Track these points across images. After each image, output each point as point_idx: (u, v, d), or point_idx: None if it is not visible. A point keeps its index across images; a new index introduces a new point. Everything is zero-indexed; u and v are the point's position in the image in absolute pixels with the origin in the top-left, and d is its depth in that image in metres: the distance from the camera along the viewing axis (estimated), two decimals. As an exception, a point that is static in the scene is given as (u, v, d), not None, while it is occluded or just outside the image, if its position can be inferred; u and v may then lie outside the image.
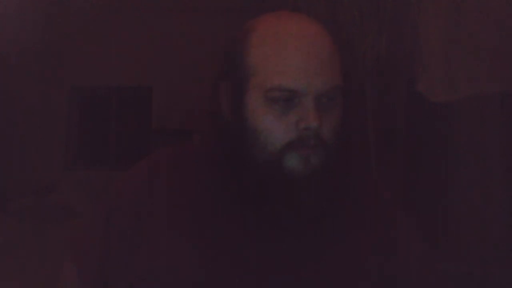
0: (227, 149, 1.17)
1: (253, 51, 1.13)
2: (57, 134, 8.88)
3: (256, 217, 1.15)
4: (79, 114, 9.20)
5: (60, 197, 7.92)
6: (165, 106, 8.81)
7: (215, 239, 1.16)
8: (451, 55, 3.44)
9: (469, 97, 3.52)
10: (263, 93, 1.12)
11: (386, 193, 1.28)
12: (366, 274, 1.18)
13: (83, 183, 8.08)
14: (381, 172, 4.17)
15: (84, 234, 1.28)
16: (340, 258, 1.17)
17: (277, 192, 1.12)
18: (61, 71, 8.60)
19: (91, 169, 8.83)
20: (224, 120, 1.17)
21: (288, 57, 1.11)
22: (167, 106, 8.71)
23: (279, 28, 1.14)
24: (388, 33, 3.96)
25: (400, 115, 5.61)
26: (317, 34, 1.14)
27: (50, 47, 8.15)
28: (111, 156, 9.12)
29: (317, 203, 1.13)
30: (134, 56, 8.54)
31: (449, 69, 3.44)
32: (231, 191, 1.17)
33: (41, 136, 8.62)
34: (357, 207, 1.22)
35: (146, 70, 8.67)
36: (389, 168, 4.66)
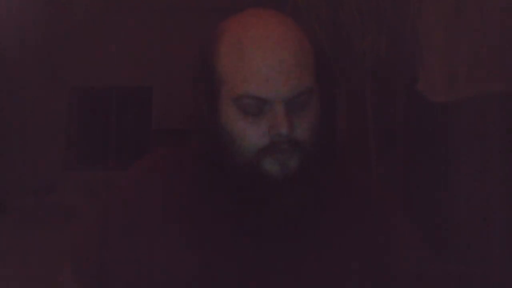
0: (209, 150, 1.17)
1: (221, 59, 1.13)
2: (57, 134, 8.89)
3: (243, 219, 1.15)
4: (79, 114, 9.20)
5: (60, 197, 7.93)
6: (165, 106, 8.81)
7: (208, 239, 1.16)
8: (451, 55, 3.44)
9: (469, 97, 3.52)
10: (233, 101, 1.12)
11: (386, 193, 1.28)
12: (363, 274, 1.18)
13: (83, 183, 8.09)
14: (381, 172, 4.17)
15: (82, 236, 1.28)
16: (334, 259, 1.17)
17: (257, 194, 1.12)
18: (61, 71, 8.60)
19: (91, 169, 8.83)
20: (204, 120, 1.18)
21: (252, 64, 1.10)
22: (167, 106, 8.71)
23: (245, 33, 1.12)
24: (388, 33, 3.96)
25: (400, 115, 5.61)
26: (283, 36, 1.11)
27: (50, 47, 8.16)
28: (111, 156, 9.12)
29: (297, 204, 1.13)
30: (134, 56, 8.54)
31: (449, 69, 3.44)
32: (219, 193, 1.17)
33: (41, 136, 8.62)
34: (355, 207, 1.22)
35: (146, 70, 8.68)
36: (389, 168, 4.66)
